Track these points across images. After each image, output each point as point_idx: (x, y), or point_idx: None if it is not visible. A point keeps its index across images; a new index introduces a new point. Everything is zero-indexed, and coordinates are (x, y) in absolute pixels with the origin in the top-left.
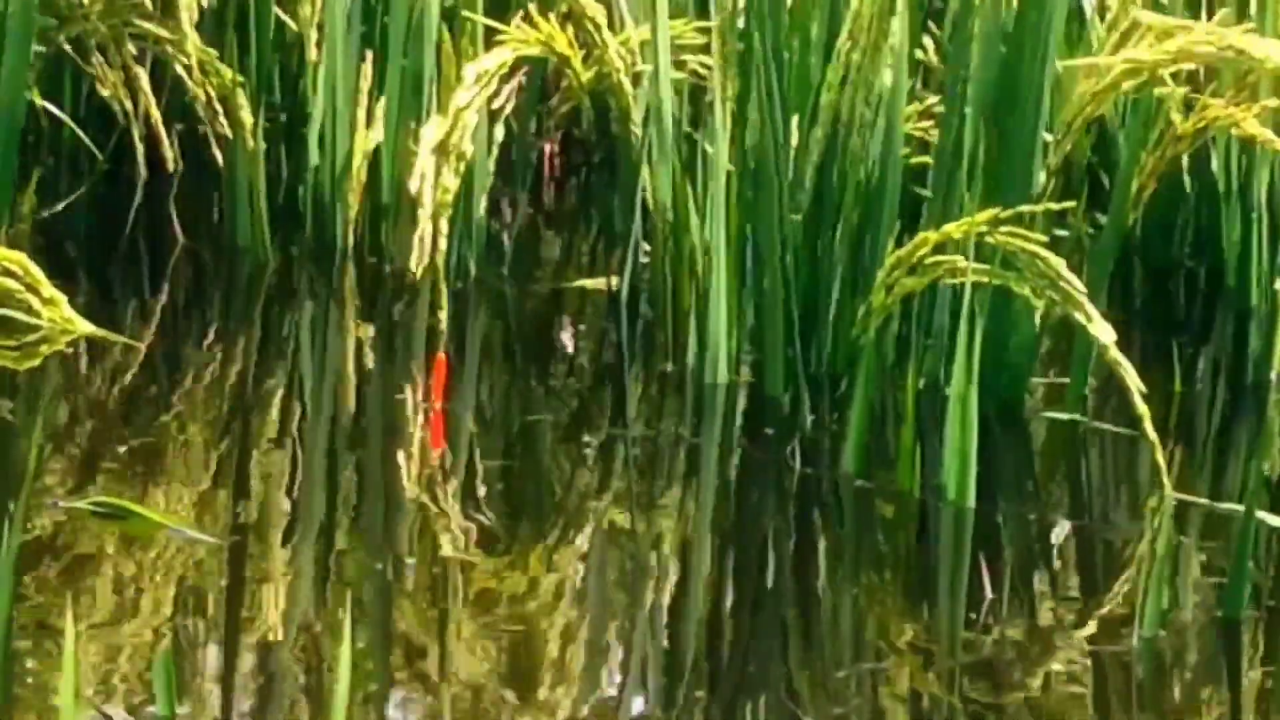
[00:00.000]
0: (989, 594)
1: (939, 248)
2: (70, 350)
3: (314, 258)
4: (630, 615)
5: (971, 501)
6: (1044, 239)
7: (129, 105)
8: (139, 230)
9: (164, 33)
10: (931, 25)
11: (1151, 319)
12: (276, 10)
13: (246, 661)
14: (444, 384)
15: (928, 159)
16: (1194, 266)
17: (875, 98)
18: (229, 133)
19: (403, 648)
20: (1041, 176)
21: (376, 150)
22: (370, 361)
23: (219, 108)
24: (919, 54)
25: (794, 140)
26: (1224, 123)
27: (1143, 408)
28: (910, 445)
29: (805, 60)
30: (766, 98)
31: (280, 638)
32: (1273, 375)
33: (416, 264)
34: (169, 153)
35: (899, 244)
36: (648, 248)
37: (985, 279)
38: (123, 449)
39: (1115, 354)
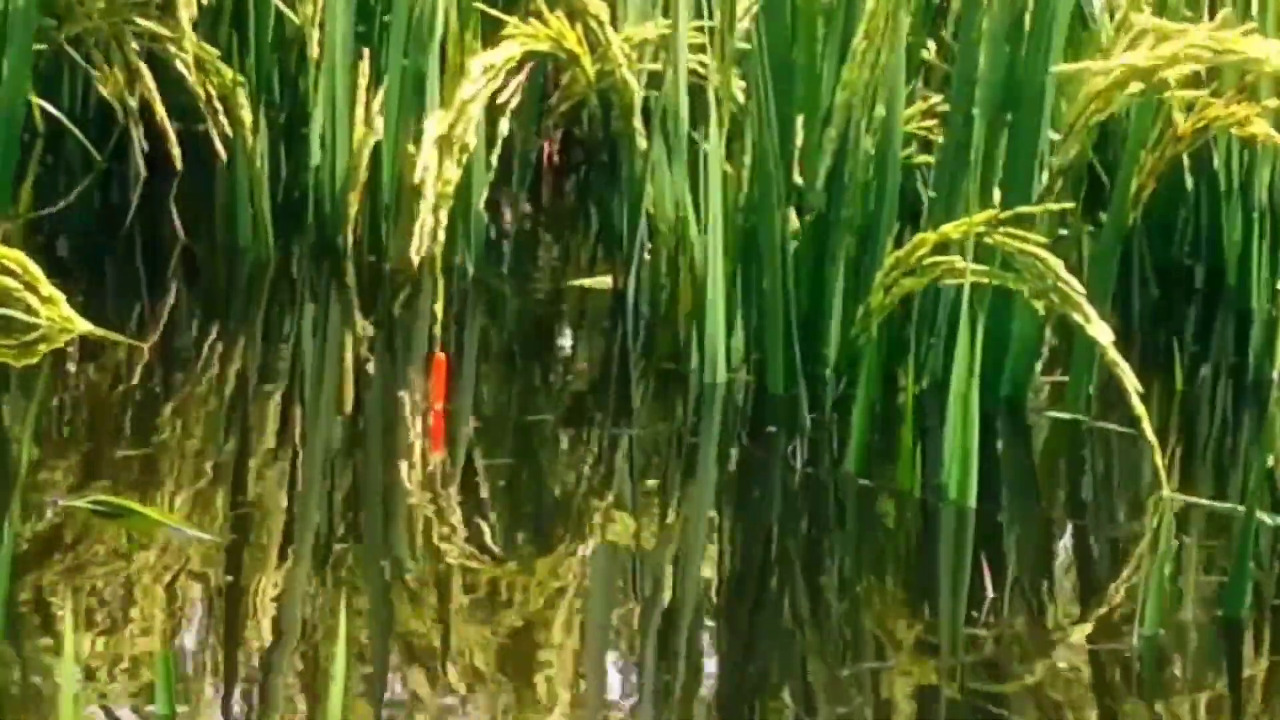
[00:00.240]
0: (990, 593)
1: (939, 248)
2: (72, 349)
3: (314, 256)
4: (631, 614)
5: (973, 501)
6: (1044, 239)
7: (131, 103)
8: (138, 229)
9: (164, 31)
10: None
11: (1154, 318)
12: (278, 4)
13: (246, 661)
14: (444, 385)
15: (929, 158)
16: (1196, 266)
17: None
18: (230, 131)
19: (401, 648)
20: (1045, 177)
21: (377, 149)
22: (371, 361)
23: (219, 106)
24: (923, 53)
25: (798, 140)
26: (1224, 122)
27: (1140, 408)
28: (910, 445)
29: (813, 60)
30: (768, 97)
31: (279, 637)
32: (1274, 374)
33: (416, 253)
34: (175, 150)
35: (901, 244)
36: (648, 246)
37: (984, 279)
38: (123, 448)
39: (1113, 354)
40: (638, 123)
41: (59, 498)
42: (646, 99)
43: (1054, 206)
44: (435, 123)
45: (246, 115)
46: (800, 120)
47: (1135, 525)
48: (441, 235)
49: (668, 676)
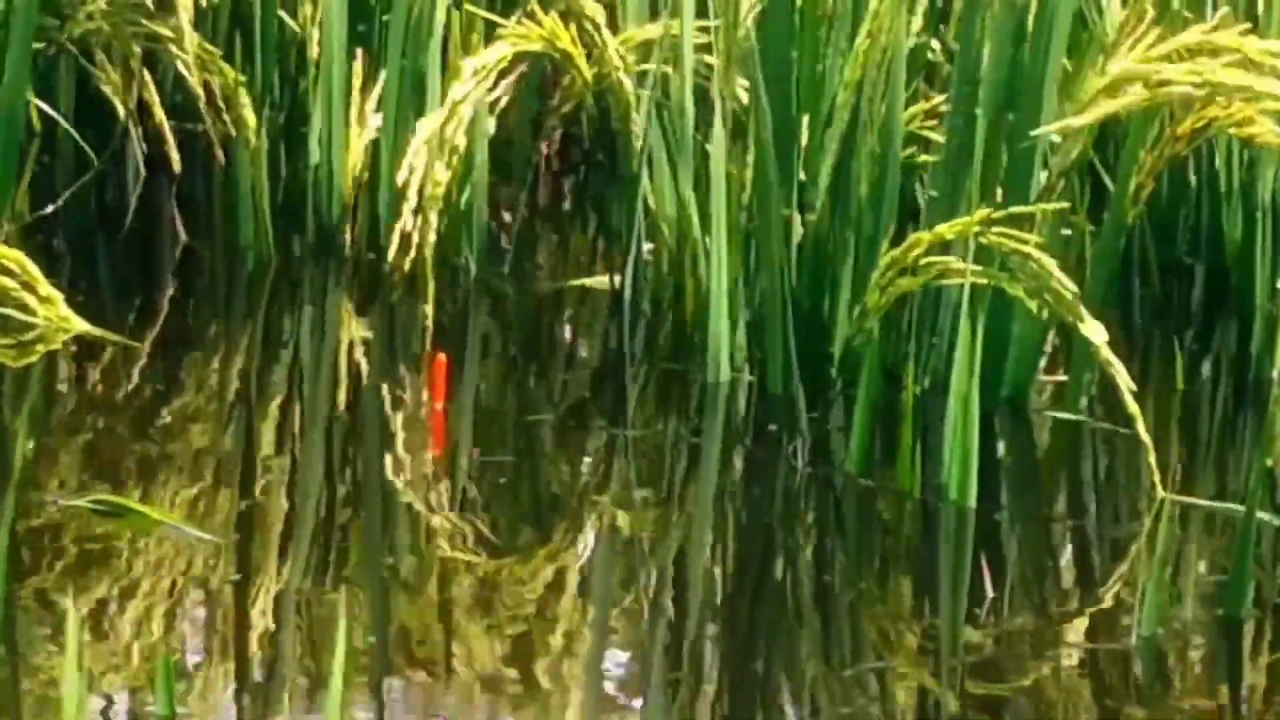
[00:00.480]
0: (990, 593)
1: (936, 248)
2: (74, 348)
3: (315, 256)
4: (631, 613)
5: (973, 501)
6: (1038, 239)
7: (132, 103)
8: (138, 228)
9: (165, 31)
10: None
11: (1155, 317)
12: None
13: (246, 661)
14: (445, 385)
15: (929, 158)
16: (1198, 264)
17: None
18: (230, 131)
19: (401, 647)
20: (1044, 177)
21: (378, 149)
22: (372, 360)
23: (221, 105)
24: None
25: (803, 140)
26: (1223, 122)
27: (1134, 407)
28: (910, 445)
29: (817, 59)
30: (771, 97)
31: (280, 636)
32: (1274, 373)
33: (396, 256)
34: (173, 151)
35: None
36: (650, 245)
37: (979, 279)
38: (123, 447)
39: (1107, 353)
40: (635, 125)
41: (59, 497)
42: (646, 100)
43: (1047, 206)
44: (427, 123)
45: (248, 115)
46: (800, 120)
47: (1135, 525)
48: (430, 237)
49: (667, 676)
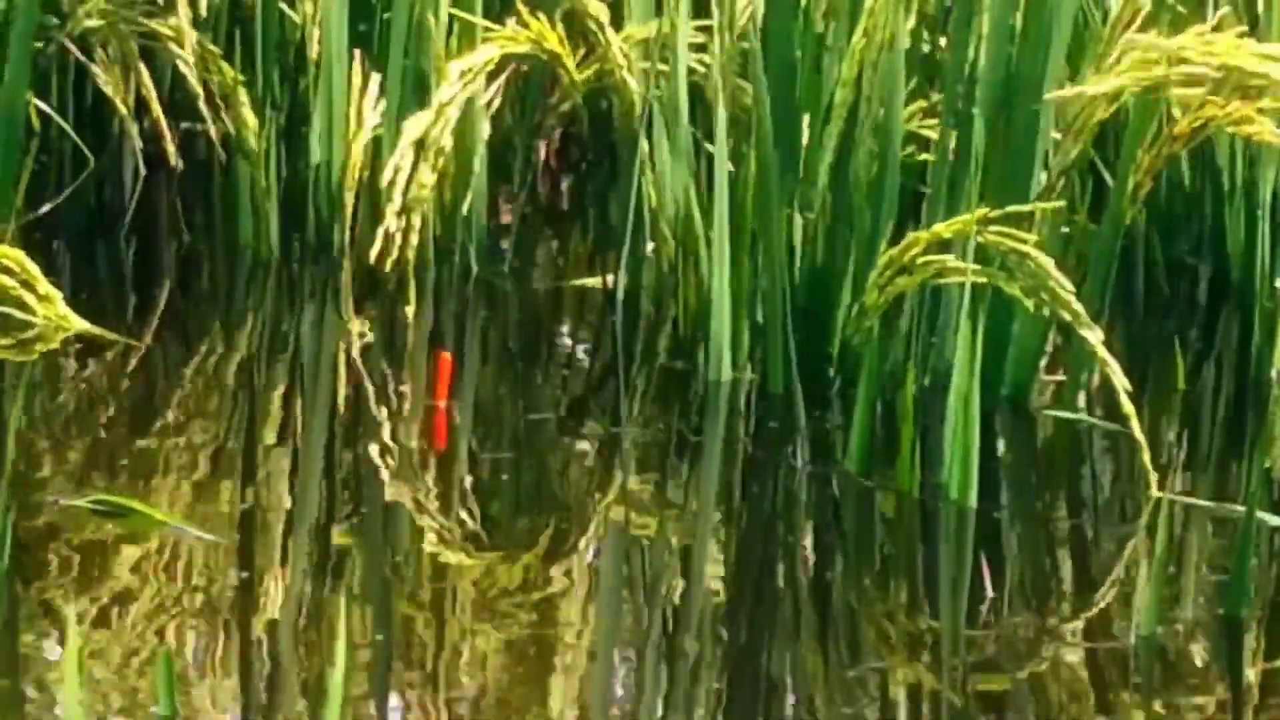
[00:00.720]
0: (990, 593)
1: (934, 247)
2: (78, 347)
3: (315, 255)
4: (632, 613)
5: (973, 501)
6: (1035, 238)
7: (131, 102)
8: (137, 227)
9: (165, 30)
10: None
11: (1156, 316)
12: (281, 5)
13: (246, 661)
14: (448, 382)
15: (929, 156)
16: (1200, 264)
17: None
18: (232, 130)
19: (402, 646)
20: (1044, 176)
21: (379, 149)
22: (372, 359)
23: (221, 105)
24: (922, 51)
25: (803, 139)
26: (1222, 121)
27: (1129, 406)
28: (910, 444)
29: (817, 58)
30: (771, 96)
31: (279, 636)
32: (1274, 373)
33: (376, 257)
34: (172, 150)
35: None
36: (652, 245)
37: (977, 278)
38: (122, 446)
39: (1103, 353)
40: (638, 123)
41: (59, 496)
42: (648, 98)
43: (1044, 205)
44: (413, 125)
45: (248, 114)
46: (799, 119)
47: (1135, 525)
48: (414, 238)
49: (668, 675)
